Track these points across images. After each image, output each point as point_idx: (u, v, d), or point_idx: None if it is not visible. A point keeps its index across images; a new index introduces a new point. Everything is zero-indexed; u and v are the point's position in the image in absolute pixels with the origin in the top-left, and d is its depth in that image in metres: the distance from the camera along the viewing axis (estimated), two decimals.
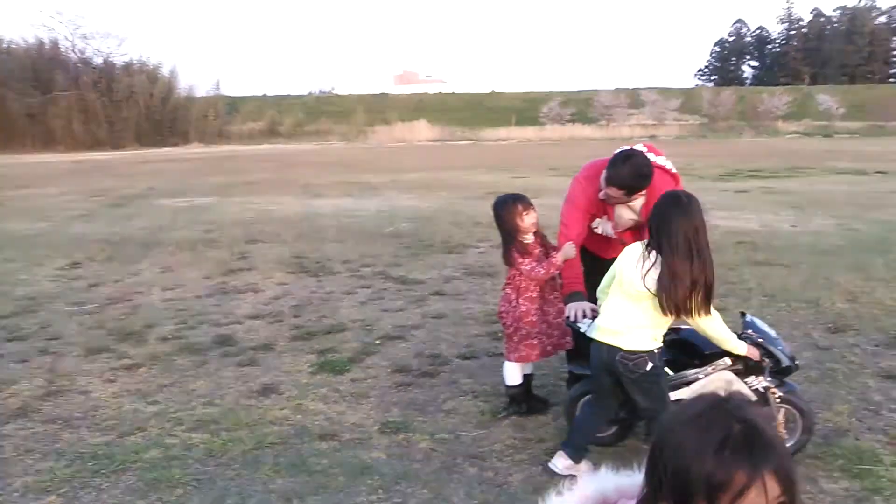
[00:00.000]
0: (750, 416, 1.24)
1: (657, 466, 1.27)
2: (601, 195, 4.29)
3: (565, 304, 4.34)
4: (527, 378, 4.67)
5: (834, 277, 8.09)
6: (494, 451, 4.15)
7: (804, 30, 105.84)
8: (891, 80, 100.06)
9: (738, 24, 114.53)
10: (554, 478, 3.73)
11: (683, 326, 3.89)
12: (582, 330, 4.10)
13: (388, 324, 6.64)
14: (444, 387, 5.12)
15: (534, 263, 4.42)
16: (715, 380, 3.90)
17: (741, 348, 3.77)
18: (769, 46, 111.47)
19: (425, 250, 10.18)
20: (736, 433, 1.21)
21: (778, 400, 3.90)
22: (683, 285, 3.37)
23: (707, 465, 1.20)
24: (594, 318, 4.09)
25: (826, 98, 63.21)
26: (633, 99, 64.20)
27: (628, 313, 3.60)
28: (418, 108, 69.53)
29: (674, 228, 3.39)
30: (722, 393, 1.30)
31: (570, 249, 4.37)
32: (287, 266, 9.26)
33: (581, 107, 63.89)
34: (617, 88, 71.49)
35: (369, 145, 48.31)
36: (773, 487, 1.19)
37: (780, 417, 3.90)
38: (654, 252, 3.47)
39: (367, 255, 9.81)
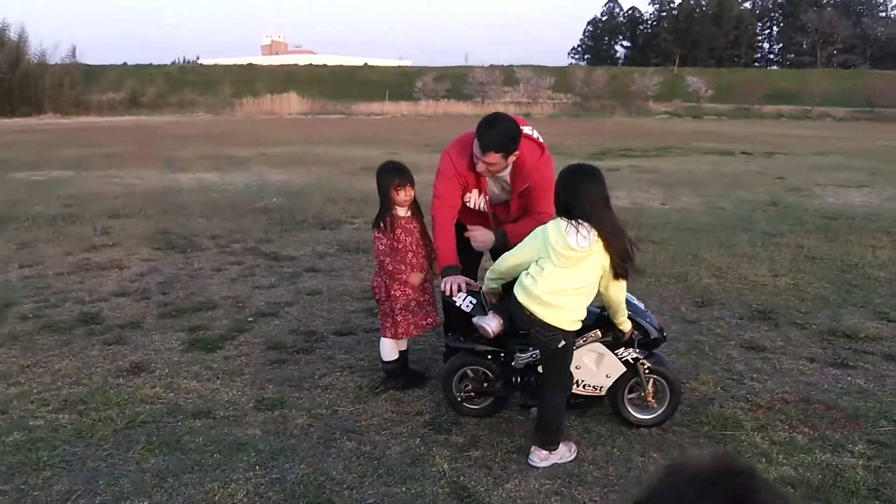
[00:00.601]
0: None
1: None
2: (479, 168, 4.23)
3: (441, 277, 4.33)
4: (403, 353, 4.73)
5: (701, 254, 8.53)
6: (372, 424, 4.19)
7: (675, 12, 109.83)
8: (756, 64, 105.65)
9: (610, 4, 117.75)
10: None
11: None
12: (458, 304, 4.18)
13: (260, 301, 6.55)
14: (320, 363, 5.12)
15: (387, 250, 4.47)
16: (586, 351, 4.06)
17: (627, 324, 3.95)
18: (641, 27, 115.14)
19: (297, 226, 10.07)
20: None
21: (647, 371, 4.10)
22: (622, 238, 3.63)
23: None
24: (469, 292, 4.19)
25: (695, 80, 65.93)
26: (508, 76, 65.05)
27: (559, 278, 3.61)
28: (288, 80, 68.08)
29: (585, 196, 3.58)
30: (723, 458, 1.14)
31: (416, 279, 4.46)
32: (153, 242, 8.97)
33: (456, 83, 64.19)
34: (491, 65, 72.24)
35: (236, 118, 47.01)
36: None
37: (650, 388, 4.10)
38: (576, 220, 3.55)
39: (236, 231, 9.62)
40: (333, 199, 12.37)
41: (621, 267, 3.65)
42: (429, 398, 4.54)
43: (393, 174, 4.53)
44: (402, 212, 4.55)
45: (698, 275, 7.55)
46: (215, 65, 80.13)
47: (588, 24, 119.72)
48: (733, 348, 5.50)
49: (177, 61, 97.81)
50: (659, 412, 4.17)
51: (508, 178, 4.38)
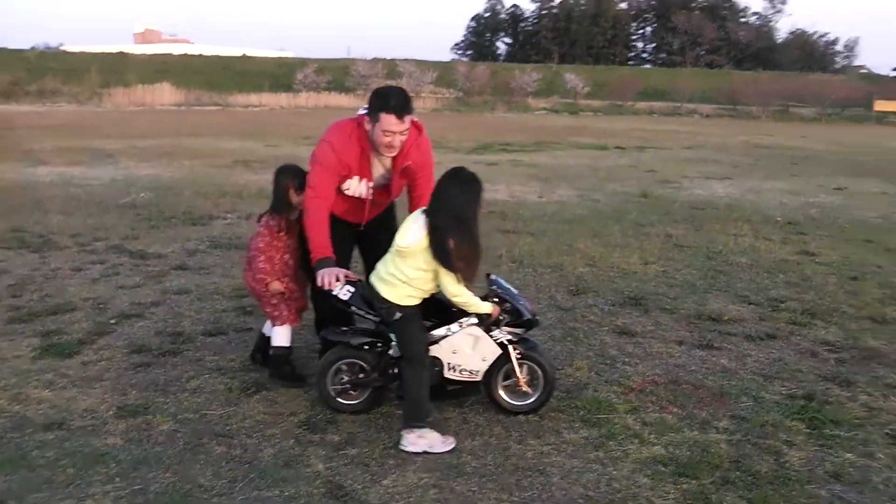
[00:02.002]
0: None
1: None
2: (394, 142, 4.13)
3: (316, 270, 4.17)
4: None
5: (576, 244, 8.71)
6: (244, 427, 4.03)
7: (555, 10, 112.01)
8: (630, 62, 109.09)
9: (493, 1, 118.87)
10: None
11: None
12: (336, 293, 4.08)
13: (124, 301, 6.21)
14: (187, 365, 4.88)
15: (265, 248, 4.42)
16: (463, 335, 4.06)
17: (485, 307, 3.99)
18: (522, 24, 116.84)
19: (166, 222, 9.65)
20: None
21: (520, 356, 4.13)
22: (446, 246, 3.73)
23: None
24: (349, 282, 4.10)
25: (573, 77, 67.46)
26: (391, 70, 64.78)
27: (394, 266, 3.91)
28: (161, 69, 65.69)
29: (445, 196, 3.80)
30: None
31: (276, 287, 4.42)
32: (3, 241, 8.32)
33: (337, 75, 63.52)
34: (374, 58, 71.79)
35: (104, 109, 44.96)
36: None
37: (523, 374, 4.13)
38: (424, 215, 3.84)
39: (99, 229, 9.11)
40: (206, 194, 11.96)
41: (448, 264, 3.79)
42: (303, 398, 4.40)
43: (293, 176, 4.46)
44: (293, 215, 4.47)
45: (573, 264, 7.70)
46: (81, 52, 76.24)
47: (471, 19, 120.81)
48: (606, 334, 5.63)
49: (37, 46, 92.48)
50: (533, 398, 4.19)
51: (390, 161, 4.33)
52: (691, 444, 3.87)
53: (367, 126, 4.18)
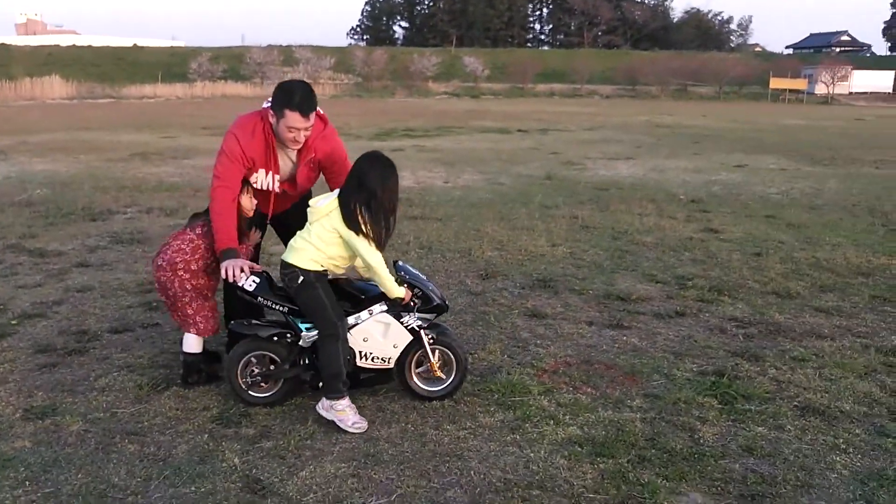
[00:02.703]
0: None
1: None
2: (298, 138, 4.15)
3: (221, 261, 4.11)
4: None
5: (483, 228, 8.78)
6: (156, 424, 3.93)
7: None
8: (528, 44, 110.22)
9: None
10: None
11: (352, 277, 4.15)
12: (241, 285, 4.02)
13: (25, 301, 5.97)
14: (95, 364, 4.73)
15: (192, 250, 4.28)
16: (373, 323, 4.07)
17: (398, 291, 4.01)
18: (418, 7, 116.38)
19: (64, 219, 9.30)
20: None
21: (431, 342, 4.14)
22: (355, 210, 3.85)
23: None
24: (254, 273, 4.05)
25: (472, 60, 67.97)
26: (287, 56, 63.97)
27: (304, 230, 4.03)
28: (49, 62, 63.28)
29: (358, 173, 3.91)
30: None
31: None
32: None
33: (233, 63, 62.42)
34: (270, 45, 70.66)
35: None
36: None
37: (435, 359, 4.15)
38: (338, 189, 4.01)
39: None
40: (104, 189, 11.59)
41: (357, 227, 3.87)
42: (215, 392, 4.32)
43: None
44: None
45: (481, 248, 7.76)
46: None
47: (366, 3, 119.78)
48: (517, 317, 5.69)
49: None
50: (447, 383, 4.22)
51: (295, 153, 4.33)
52: (606, 424, 3.95)
53: (272, 119, 4.17)
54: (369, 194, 3.85)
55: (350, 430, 3.85)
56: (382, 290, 4.04)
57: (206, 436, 3.81)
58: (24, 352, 4.92)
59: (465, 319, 5.60)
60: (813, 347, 5.11)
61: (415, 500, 3.27)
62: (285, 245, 4.44)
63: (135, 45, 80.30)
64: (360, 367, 4.11)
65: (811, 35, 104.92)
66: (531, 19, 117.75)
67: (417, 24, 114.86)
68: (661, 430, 3.88)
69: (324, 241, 3.93)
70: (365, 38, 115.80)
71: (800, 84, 63.03)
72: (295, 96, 4.08)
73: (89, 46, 76.84)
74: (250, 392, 4.13)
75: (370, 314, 4.08)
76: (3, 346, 5.02)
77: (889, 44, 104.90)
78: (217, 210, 4.19)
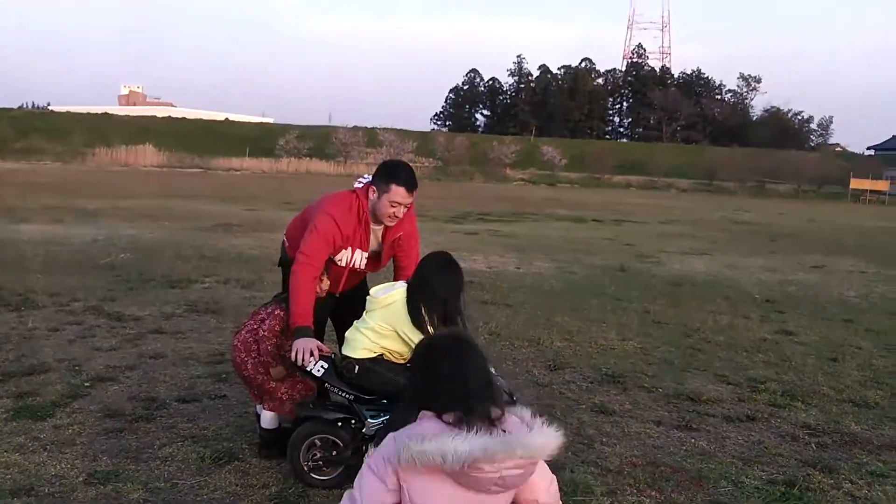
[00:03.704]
0: None
1: None
2: (399, 214, 4.31)
3: (294, 339, 4.13)
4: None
5: (553, 317, 8.70)
6: (215, 498, 3.94)
7: (532, 84, 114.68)
8: (607, 136, 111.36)
9: (471, 74, 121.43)
10: None
11: None
12: (309, 369, 4.04)
13: (99, 364, 6.13)
14: (160, 432, 4.80)
15: (277, 331, 4.33)
16: None
17: None
18: (500, 97, 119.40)
19: (144, 284, 9.60)
20: None
21: None
22: (420, 309, 3.90)
23: None
24: (323, 357, 4.07)
25: (550, 149, 68.85)
26: (371, 138, 65.71)
27: (356, 325, 4.12)
28: (144, 131, 66.25)
29: (426, 274, 4.00)
30: None
31: (278, 373, 4.32)
32: None
33: (318, 142, 64.24)
34: (355, 126, 72.72)
35: (88, 168, 45.13)
36: None
37: None
38: (405, 282, 4.07)
39: (77, 288, 9.05)
40: (185, 257, 11.95)
41: (422, 327, 3.91)
42: (275, 469, 4.32)
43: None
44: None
45: (550, 338, 7.68)
46: (67, 112, 76.85)
47: (450, 91, 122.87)
48: (584, 412, 5.57)
49: (24, 105, 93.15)
50: None
51: (381, 230, 4.46)
52: None
53: (372, 196, 4.30)
54: (437, 299, 3.95)
55: None
56: None
57: None
58: (94, 415, 5.03)
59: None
60: (893, 462, 4.84)
61: None
62: (339, 321, 4.54)
63: (226, 119, 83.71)
64: None
65: (894, 136, 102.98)
66: (611, 112, 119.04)
67: (499, 113, 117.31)
68: None
69: (377, 334, 4.00)
70: (447, 124, 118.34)
71: (881, 185, 61.48)
72: (401, 172, 4.31)
73: (183, 118, 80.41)
74: (311, 474, 4.12)
75: None
76: (75, 407, 5.15)
77: None
78: (298, 287, 4.25)
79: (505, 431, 2.27)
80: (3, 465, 4.20)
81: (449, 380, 2.31)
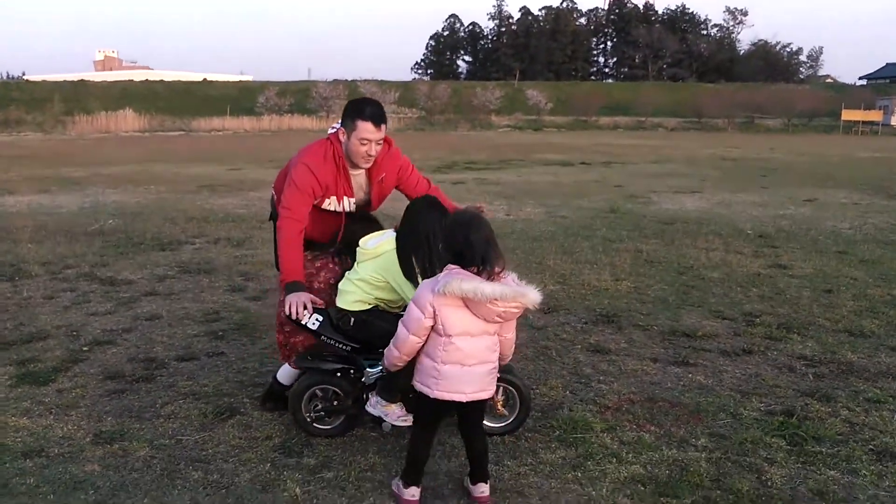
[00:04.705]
0: None
1: None
2: (371, 152, 4.19)
3: (285, 294, 4.08)
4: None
5: (546, 261, 8.73)
6: (219, 452, 3.98)
7: (514, 27, 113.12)
8: (592, 77, 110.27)
9: (451, 19, 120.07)
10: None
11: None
12: (304, 323, 4.03)
13: (96, 328, 6.15)
14: (161, 391, 4.83)
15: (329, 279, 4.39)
16: None
17: None
18: (481, 42, 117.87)
19: (135, 248, 9.57)
20: None
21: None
22: (410, 259, 3.91)
23: None
24: (317, 310, 4.06)
25: (535, 93, 68.21)
26: (352, 91, 65.05)
27: (349, 276, 4.12)
28: (123, 96, 65.56)
29: (413, 218, 4.00)
30: None
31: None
32: None
33: (299, 97, 63.69)
34: (335, 80, 72.02)
35: (69, 137, 44.62)
36: None
37: (499, 396, 4.10)
38: (393, 231, 4.08)
39: (69, 256, 9.02)
40: (173, 219, 11.89)
41: (412, 277, 3.93)
42: (278, 422, 4.36)
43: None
44: None
45: (543, 282, 7.70)
46: (43, 81, 75.75)
47: (430, 38, 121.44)
48: (580, 352, 5.62)
49: None
50: (510, 420, 4.19)
51: (365, 175, 4.39)
52: (670, 463, 3.86)
53: (343, 137, 4.22)
54: (427, 248, 3.90)
55: (396, 423, 3.92)
56: None
57: (269, 465, 3.84)
58: (95, 377, 5.06)
59: (527, 354, 5.54)
60: (889, 388, 4.92)
61: None
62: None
63: (205, 79, 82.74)
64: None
65: (887, 65, 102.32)
66: (595, 52, 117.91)
67: (481, 59, 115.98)
68: (726, 471, 3.77)
69: (370, 285, 4.00)
70: (429, 72, 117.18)
71: (874, 115, 61.17)
72: (366, 107, 4.18)
73: (161, 81, 79.44)
74: (314, 424, 4.16)
75: None
76: (76, 371, 5.18)
77: None
78: (283, 242, 4.18)
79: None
80: (12, 429, 4.24)
81: (473, 244, 3.29)
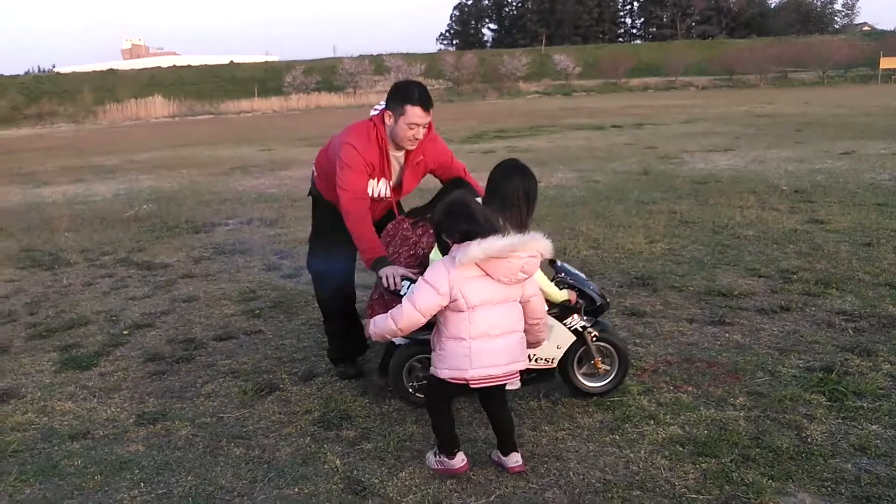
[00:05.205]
0: None
1: None
2: (418, 135, 4.24)
3: (376, 270, 4.10)
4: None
5: (578, 227, 8.68)
6: (260, 428, 4.05)
7: None
8: (620, 39, 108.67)
9: None
10: None
11: None
12: (403, 293, 4.02)
13: (135, 312, 6.26)
14: (201, 370, 4.92)
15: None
16: None
17: (562, 294, 4.07)
18: (506, 9, 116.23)
19: (170, 232, 9.70)
20: None
21: (594, 339, 4.17)
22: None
23: None
24: (411, 280, 4.07)
25: (562, 58, 67.44)
26: (378, 65, 65.02)
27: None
28: (151, 83, 65.96)
29: (509, 187, 4.04)
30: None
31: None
32: (16, 261, 8.45)
33: (326, 75, 63.64)
34: (361, 55, 71.90)
35: (100, 126, 45.16)
36: None
37: (598, 355, 4.18)
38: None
39: (106, 243, 9.18)
40: (206, 202, 12.03)
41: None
42: (316, 396, 4.42)
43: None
44: None
45: (577, 247, 7.67)
46: (73, 72, 76.54)
47: (454, 8, 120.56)
48: (616, 315, 5.59)
49: (31, 71, 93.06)
50: (609, 378, 4.24)
51: (403, 156, 4.40)
52: (708, 423, 3.84)
53: (389, 121, 4.23)
54: (511, 209, 3.97)
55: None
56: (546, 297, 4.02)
57: (309, 438, 3.90)
58: (136, 360, 5.16)
59: None
60: None
61: (514, 501, 3.26)
62: None
63: (231, 61, 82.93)
64: (527, 369, 4.15)
65: None
66: (622, 13, 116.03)
67: (506, 26, 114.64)
68: (766, 429, 3.74)
69: None
70: (454, 42, 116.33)
71: None
72: (415, 91, 4.20)
73: (188, 66, 79.78)
74: (417, 395, 4.21)
75: None
76: (117, 355, 5.28)
77: None
78: (356, 222, 4.19)
79: None
80: (58, 413, 4.36)
81: (475, 217, 3.31)
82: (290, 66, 68.26)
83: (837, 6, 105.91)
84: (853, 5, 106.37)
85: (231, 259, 8.03)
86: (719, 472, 3.38)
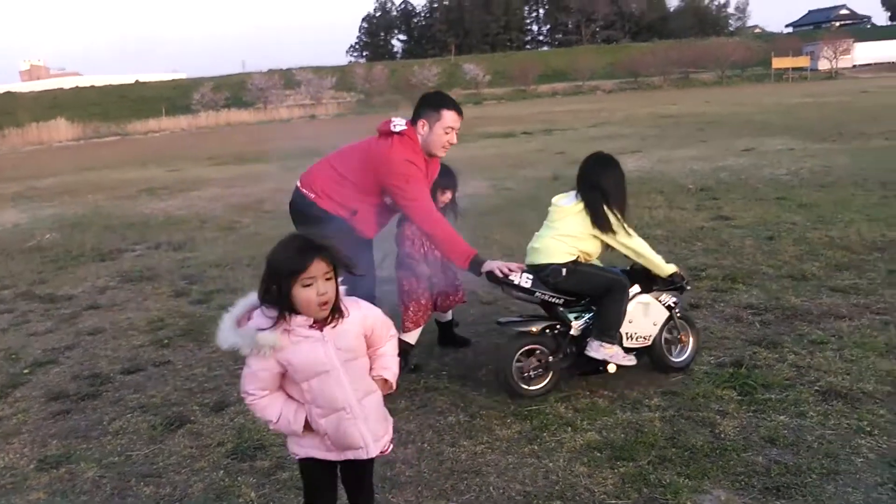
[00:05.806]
0: None
1: None
2: (453, 140, 4.41)
3: (482, 268, 4.31)
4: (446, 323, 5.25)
5: (492, 235, 8.72)
6: (171, 464, 3.89)
7: (446, 2, 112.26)
8: (527, 46, 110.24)
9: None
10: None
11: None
12: (517, 283, 4.25)
13: (36, 349, 5.96)
14: (108, 407, 4.70)
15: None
16: (633, 304, 4.32)
17: (670, 267, 4.36)
18: (415, 20, 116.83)
19: (74, 261, 9.31)
20: None
21: (678, 316, 4.42)
22: (601, 210, 4.25)
23: None
24: (522, 270, 4.27)
25: (472, 67, 68.11)
26: (288, 79, 64.36)
27: (546, 231, 4.46)
28: (54, 105, 63.91)
29: (606, 179, 4.34)
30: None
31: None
32: None
33: (235, 91, 62.83)
34: (270, 70, 71.12)
35: None
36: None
37: (682, 330, 4.42)
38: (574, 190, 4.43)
39: (5, 276, 8.75)
40: (113, 227, 11.63)
41: (608, 228, 4.25)
42: (228, 427, 4.27)
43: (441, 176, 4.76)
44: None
45: (491, 256, 7.61)
46: None
47: (363, 20, 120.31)
48: None
49: None
50: (688, 353, 4.49)
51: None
52: (625, 426, 3.88)
53: (423, 129, 4.35)
54: (607, 194, 4.24)
55: (622, 362, 4.26)
56: (654, 270, 4.36)
57: (222, 472, 3.77)
58: (37, 400, 4.90)
59: (478, 330, 5.53)
60: (831, 329, 5.02)
61: None
62: None
63: (136, 80, 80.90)
64: (625, 348, 4.30)
65: (809, 12, 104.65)
66: (528, 21, 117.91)
67: (416, 37, 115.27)
68: (680, 428, 3.80)
69: (576, 238, 4.27)
70: (364, 54, 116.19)
71: (802, 62, 62.48)
72: (447, 98, 4.43)
73: (92, 86, 77.55)
74: (525, 387, 4.26)
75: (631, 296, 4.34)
76: (16, 396, 5.01)
77: (889, 13, 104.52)
78: (442, 230, 4.36)
79: None
80: None
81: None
82: (197, 83, 67.07)
83: (730, 10, 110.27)
84: (744, 9, 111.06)
85: (138, 287, 7.76)
86: (637, 475, 3.41)
